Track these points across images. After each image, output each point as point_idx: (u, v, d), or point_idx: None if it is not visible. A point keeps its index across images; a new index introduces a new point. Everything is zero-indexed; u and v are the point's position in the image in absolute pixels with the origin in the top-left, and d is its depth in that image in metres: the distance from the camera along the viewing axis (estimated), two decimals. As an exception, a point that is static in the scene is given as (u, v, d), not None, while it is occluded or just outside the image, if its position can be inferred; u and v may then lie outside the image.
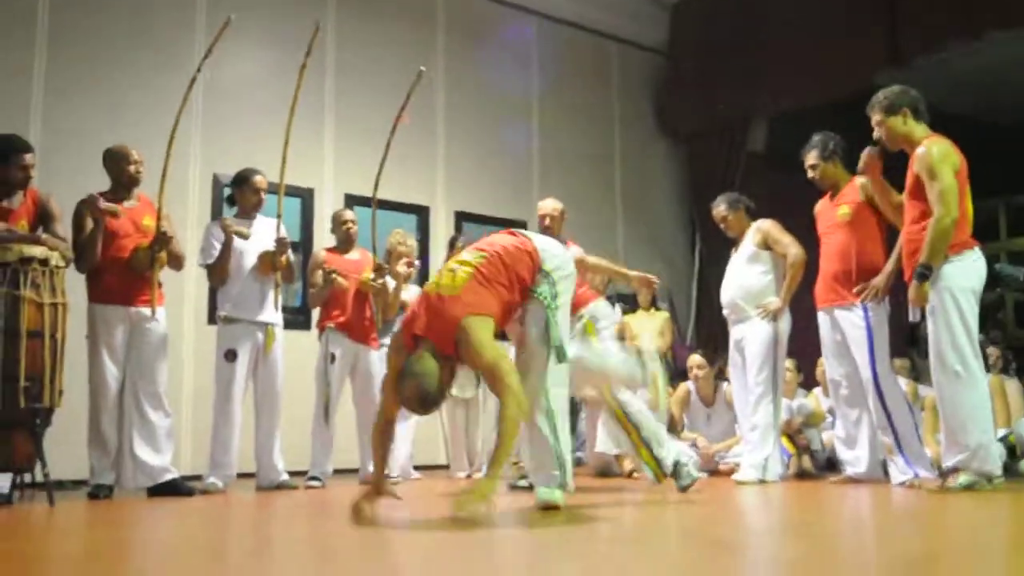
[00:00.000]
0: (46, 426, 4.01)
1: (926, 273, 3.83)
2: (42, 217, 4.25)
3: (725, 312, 5.07)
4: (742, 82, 8.11)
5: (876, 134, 4.15)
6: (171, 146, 4.53)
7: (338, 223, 5.37)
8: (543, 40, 8.44)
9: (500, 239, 3.37)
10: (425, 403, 2.99)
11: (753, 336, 4.83)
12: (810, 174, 4.67)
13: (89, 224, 4.34)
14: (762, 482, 4.60)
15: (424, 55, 7.50)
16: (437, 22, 7.82)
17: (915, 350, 8.25)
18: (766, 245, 4.94)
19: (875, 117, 4.12)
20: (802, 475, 5.29)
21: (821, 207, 4.72)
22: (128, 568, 2.18)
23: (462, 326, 2.97)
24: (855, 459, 4.51)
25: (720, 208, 5.13)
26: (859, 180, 4.48)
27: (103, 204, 4.36)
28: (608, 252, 8.12)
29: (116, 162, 4.56)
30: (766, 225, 4.99)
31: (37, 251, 3.96)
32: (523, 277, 3.23)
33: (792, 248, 4.85)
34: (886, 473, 4.37)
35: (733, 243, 5.19)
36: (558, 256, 3.37)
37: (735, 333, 5.00)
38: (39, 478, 3.97)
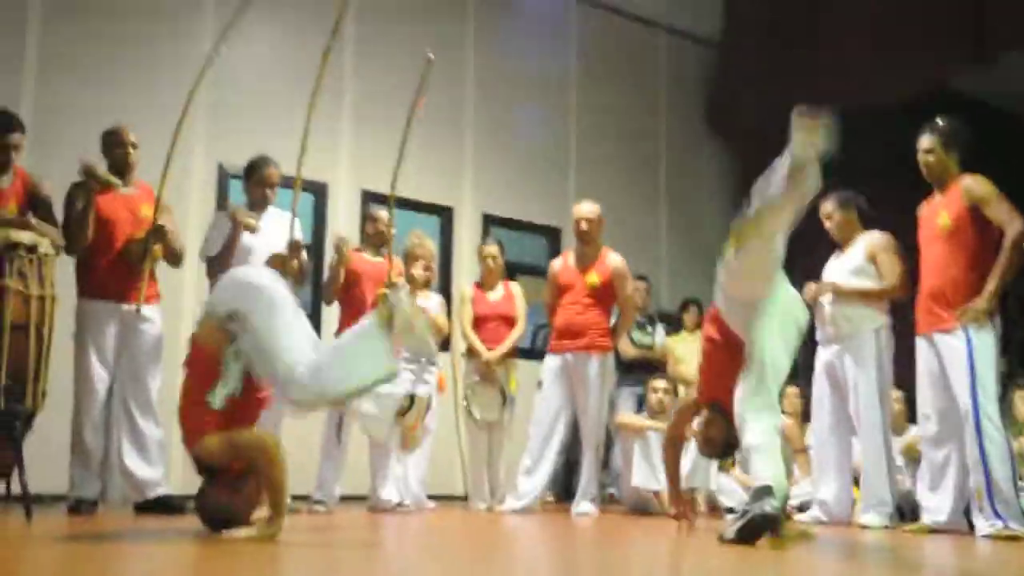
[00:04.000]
0: (26, 431, 3.98)
1: None
2: (32, 201, 4.25)
3: (819, 328, 4.97)
4: (804, 78, 8.02)
5: None
6: (177, 137, 4.49)
7: (371, 221, 5.38)
8: (583, 27, 8.42)
9: None
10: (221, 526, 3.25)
11: (861, 357, 4.78)
12: (922, 159, 4.46)
13: (80, 202, 4.34)
14: (887, 528, 4.58)
15: (452, 41, 7.49)
16: (467, 6, 7.80)
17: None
18: (874, 259, 4.87)
19: None
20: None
21: (925, 211, 4.56)
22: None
23: None
24: (937, 506, 4.39)
25: (828, 206, 4.99)
26: (965, 181, 4.34)
27: (102, 171, 4.36)
28: (650, 263, 8.07)
29: (107, 145, 4.60)
30: (881, 240, 4.91)
31: (25, 237, 3.92)
32: None
33: (894, 279, 4.79)
34: (970, 524, 4.25)
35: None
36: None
37: (827, 354, 4.91)
38: (16, 489, 3.93)
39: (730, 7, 9.03)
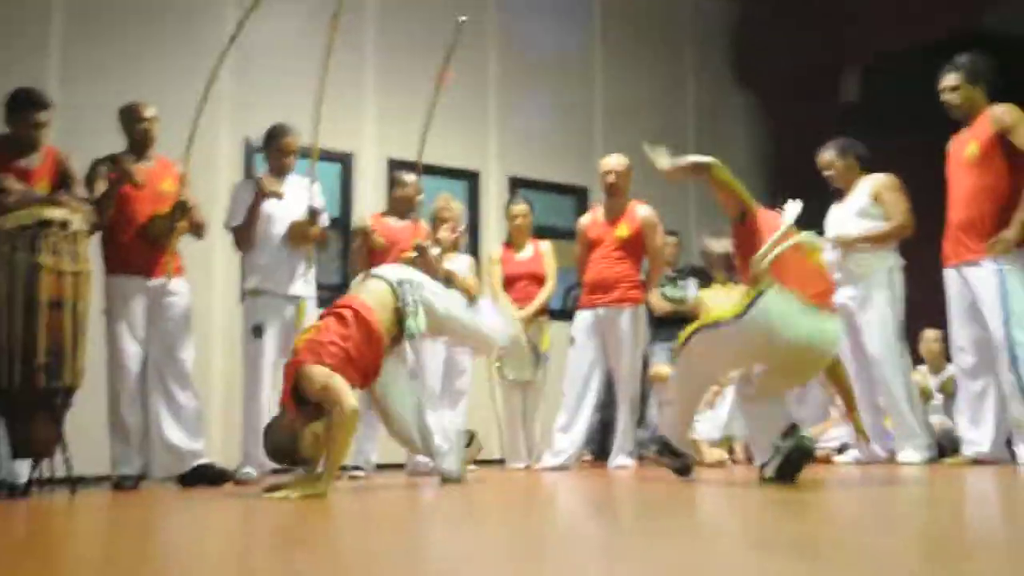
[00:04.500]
0: (66, 408, 4.05)
1: None
2: (63, 178, 4.31)
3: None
4: (831, 25, 7.91)
5: None
6: (201, 112, 4.53)
7: (399, 186, 5.39)
8: (606, -16, 8.33)
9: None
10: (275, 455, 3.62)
11: (874, 298, 4.72)
12: (945, 97, 4.45)
13: (101, 185, 4.39)
14: (926, 463, 4.59)
15: (474, 4, 7.43)
16: (488, -36, 7.75)
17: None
18: (878, 198, 4.83)
19: None
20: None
21: (954, 146, 4.53)
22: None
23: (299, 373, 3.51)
24: (978, 438, 4.36)
25: (827, 154, 5.01)
26: (994, 110, 4.27)
27: (129, 167, 4.40)
28: (678, 217, 8.01)
29: (126, 120, 4.63)
30: (884, 179, 4.87)
31: (58, 214, 3.96)
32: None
33: (900, 218, 4.72)
34: (1012, 454, 4.22)
35: (824, 202, 5.05)
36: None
37: (840, 297, 4.87)
38: (58, 471, 4.00)
39: (753, -44, 8.89)
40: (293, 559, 1.89)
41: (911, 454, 4.66)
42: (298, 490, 3.40)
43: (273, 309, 4.77)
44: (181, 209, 4.50)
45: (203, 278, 5.71)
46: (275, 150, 4.94)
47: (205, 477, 4.44)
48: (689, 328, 3.71)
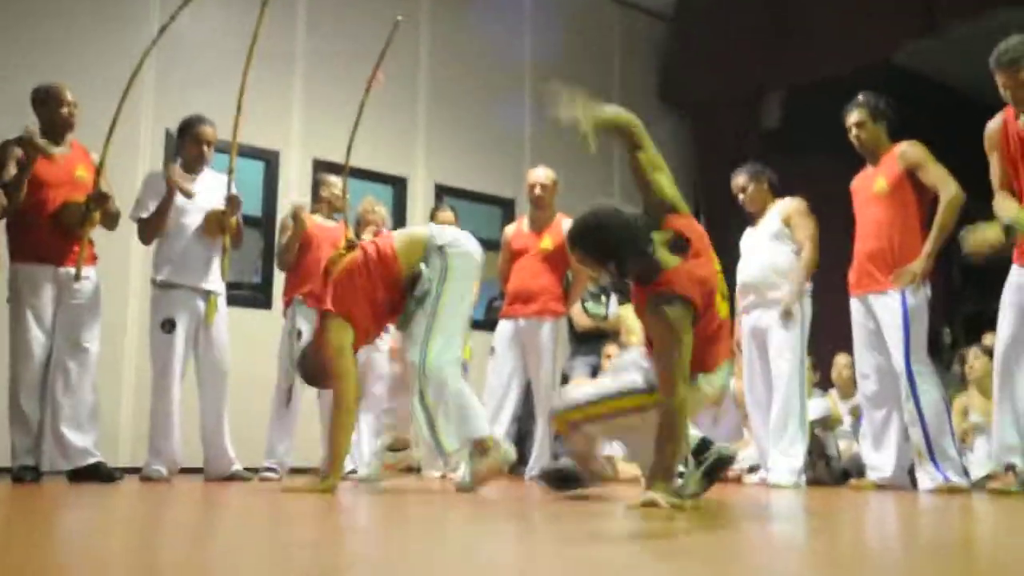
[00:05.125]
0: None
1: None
2: (-29, 159, 4.15)
3: (741, 296, 5.01)
4: (756, 51, 8.12)
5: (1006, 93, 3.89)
6: (123, 102, 4.41)
7: (324, 186, 5.37)
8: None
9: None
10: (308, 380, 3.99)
11: (788, 323, 4.81)
12: (853, 133, 4.58)
13: (12, 167, 4.22)
14: (796, 486, 4.63)
15: (406, 10, 7.39)
16: (423, -28, 7.75)
17: (937, 359, 8.27)
18: (788, 221, 4.94)
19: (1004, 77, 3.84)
20: (816, 482, 5.27)
21: (858, 181, 4.67)
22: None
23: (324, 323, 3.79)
24: (881, 463, 4.50)
25: (740, 179, 5.10)
26: (900, 147, 4.44)
27: (42, 142, 4.24)
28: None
29: (47, 103, 4.44)
30: (793, 203, 4.99)
31: (-39, 197, 3.84)
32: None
33: (809, 244, 4.83)
34: (913, 479, 4.37)
35: (744, 223, 5.16)
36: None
37: (752, 319, 4.96)
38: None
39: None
40: (201, 555, 1.85)
41: (784, 475, 4.70)
42: (310, 486, 3.71)
43: (184, 303, 4.65)
44: (98, 199, 4.37)
45: (119, 268, 5.57)
46: (190, 139, 4.77)
47: (94, 475, 4.30)
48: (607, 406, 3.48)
